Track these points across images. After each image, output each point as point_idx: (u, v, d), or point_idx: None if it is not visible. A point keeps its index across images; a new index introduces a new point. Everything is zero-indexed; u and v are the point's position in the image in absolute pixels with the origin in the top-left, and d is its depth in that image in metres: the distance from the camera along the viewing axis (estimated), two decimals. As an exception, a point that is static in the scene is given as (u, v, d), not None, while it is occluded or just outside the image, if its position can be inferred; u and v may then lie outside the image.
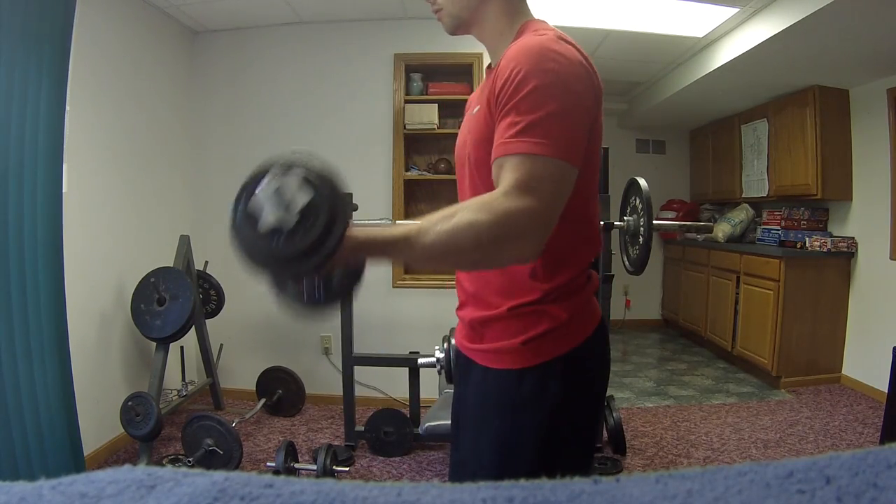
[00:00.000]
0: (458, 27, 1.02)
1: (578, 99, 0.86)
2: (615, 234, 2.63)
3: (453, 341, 0.91)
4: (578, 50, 0.90)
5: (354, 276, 0.85)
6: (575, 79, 0.86)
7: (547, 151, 0.81)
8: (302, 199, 0.72)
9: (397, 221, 2.77)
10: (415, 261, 0.84)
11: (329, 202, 0.74)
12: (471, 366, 1.02)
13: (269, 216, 0.72)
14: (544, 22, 0.99)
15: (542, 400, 0.92)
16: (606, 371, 1.05)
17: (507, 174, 0.81)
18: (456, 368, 1.11)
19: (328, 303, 0.84)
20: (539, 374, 0.92)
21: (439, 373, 1.13)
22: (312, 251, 0.72)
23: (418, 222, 0.81)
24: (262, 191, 0.73)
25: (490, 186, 0.93)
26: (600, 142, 0.96)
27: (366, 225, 0.95)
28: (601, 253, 2.59)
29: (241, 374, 3.45)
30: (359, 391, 2.94)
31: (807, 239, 3.78)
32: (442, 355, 1.11)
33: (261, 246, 0.73)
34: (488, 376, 0.97)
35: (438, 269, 0.89)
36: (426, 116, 3.28)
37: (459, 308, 1.06)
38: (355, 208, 2.66)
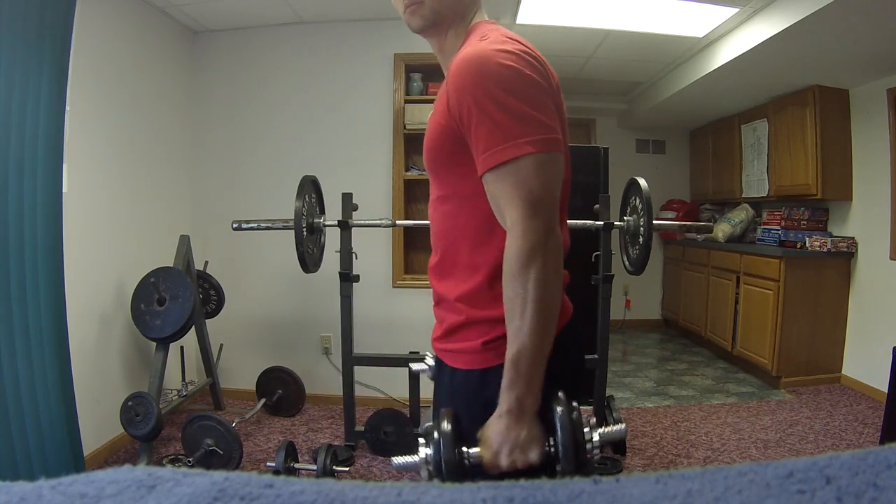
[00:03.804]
0: (434, 24, 0.98)
1: (535, 85, 0.85)
2: (615, 234, 2.63)
3: None
4: (526, 46, 0.89)
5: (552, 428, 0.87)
6: (525, 66, 0.85)
7: (526, 150, 0.82)
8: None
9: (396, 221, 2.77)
10: (542, 352, 0.84)
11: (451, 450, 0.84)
12: (442, 366, 1.03)
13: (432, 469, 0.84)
14: (492, 23, 0.98)
15: None
16: (577, 365, 1.04)
17: (505, 199, 0.84)
18: (434, 368, 1.11)
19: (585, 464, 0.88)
20: (502, 375, 0.92)
21: (431, 379, 1.14)
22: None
23: (510, 340, 0.83)
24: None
25: (437, 182, 0.98)
26: (566, 131, 0.95)
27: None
28: (601, 254, 2.60)
29: (241, 374, 3.45)
30: (359, 391, 2.94)
31: (807, 239, 3.78)
32: (433, 362, 1.12)
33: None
34: (455, 376, 0.98)
35: (554, 328, 0.92)
36: (426, 116, 3.27)
37: (434, 304, 1.07)
38: (355, 208, 2.66)
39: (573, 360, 1.04)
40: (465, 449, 0.84)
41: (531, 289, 0.81)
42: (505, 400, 0.83)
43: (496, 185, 0.84)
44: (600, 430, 0.83)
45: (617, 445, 2.71)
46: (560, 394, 0.84)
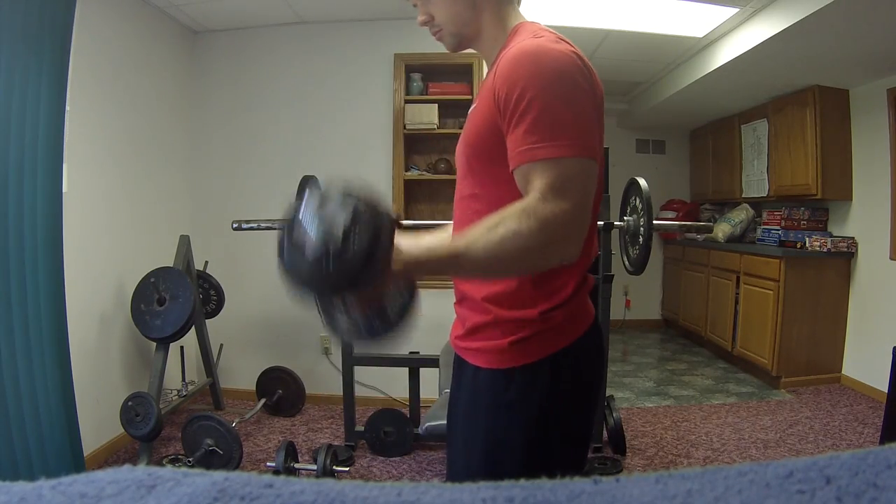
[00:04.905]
0: (460, 43, 1.03)
1: (584, 93, 0.86)
2: (615, 234, 2.63)
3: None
4: (576, 50, 0.90)
5: (409, 298, 0.85)
6: (577, 73, 0.86)
7: (569, 152, 0.82)
8: (343, 218, 0.70)
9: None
10: (465, 274, 0.84)
11: (371, 218, 0.72)
12: (463, 365, 1.02)
13: (314, 240, 0.70)
14: (537, 23, 0.99)
15: (529, 400, 0.93)
16: (600, 370, 1.05)
17: (537, 180, 0.82)
18: (453, 367, 1.11)
19: (388, 331, 0.84)
20: (527, 374, 0.93)
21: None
22: (362, 268, 0.70)
23: (463, 237, 0.82)
24: (304, 216, 0.72)
25: (471, 180, 0.97)
26: (603, 141, 0.96)
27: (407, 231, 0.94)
28: (600, 254, 2.60)
29: (241, 374, 3.45)
30: (359, 391, 2.94)
31: (807, 239, 3.78)
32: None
33: (311, 271, 0.71)
34: (478, 376, 0.98)
35: (486, 279, 0.90)
36: (426, 116, 3.28)
37: (456, 302, 1.07)
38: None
39: (602, 362, 1.05)
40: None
41: (528, 237, 0.79)
42: (413, 259, 0.80)
43: (532, 169, 0.83)
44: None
45: (617, 445, 2.71)
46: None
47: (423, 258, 0.81)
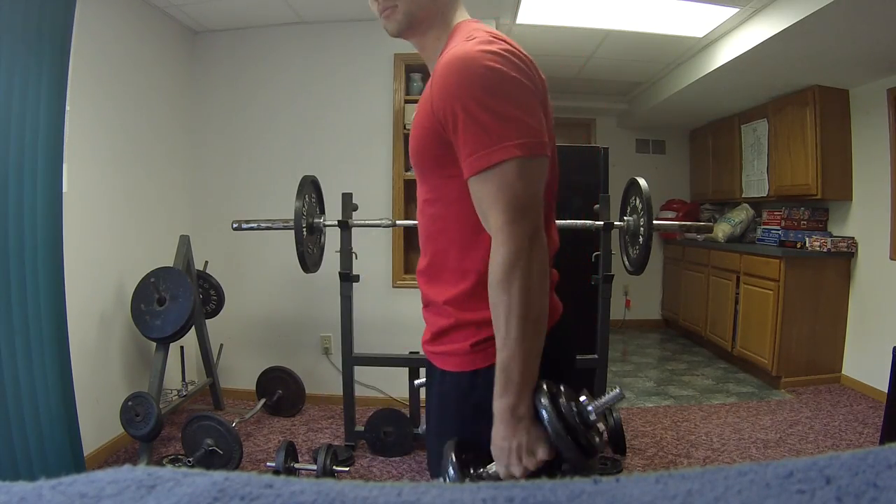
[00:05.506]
0: (408, 27, 0.99)
1: (523, 89, 0.85)
2: (615, 234, 2.63)
3: None
4: (510, 48, 0.87)
5: (549, 410, 0.82)
6: (513, 70, 0.84)
7: (517, 153, 0.81)
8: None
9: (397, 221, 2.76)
10: (533, 359, 0.83)
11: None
12: (432, 369, 1.03)
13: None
14: (475, 22, 0.97)
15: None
16: (569, 365, 1.04)
17: (488, 204, 0.83)
18: (426, 371, 1.11)
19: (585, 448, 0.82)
20: (492, 376, 0.91)
21: None
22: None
23: (498, 348, 0.83)
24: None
25: (426, 186, 0.97)
26: (551, 130, 0.94)
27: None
28: (601, 254, 2.59)
29: (241, 374, 3.45)
30: (359, 391, 2.94)
31: (807, 239, 3.78)
32: None
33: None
34: (445, 379, 0.98)
35: (543, 333, 0.91)
36: (426, 117, 3.27)
37: (423, 307, 1.06)
38: (355, 208, 2.65)
39: (565, 360, 1.04)
40: (479, 470, 0.85)
41: (515, 295, 0.80)
42: (497, 409, 0.83)
43: (480, 190, 0.84)
44: (595, 403, 0.83)
45: (617, 445, 2.71)
46: (542, 384, 0.83)
47: (502, 397, 0.82)
